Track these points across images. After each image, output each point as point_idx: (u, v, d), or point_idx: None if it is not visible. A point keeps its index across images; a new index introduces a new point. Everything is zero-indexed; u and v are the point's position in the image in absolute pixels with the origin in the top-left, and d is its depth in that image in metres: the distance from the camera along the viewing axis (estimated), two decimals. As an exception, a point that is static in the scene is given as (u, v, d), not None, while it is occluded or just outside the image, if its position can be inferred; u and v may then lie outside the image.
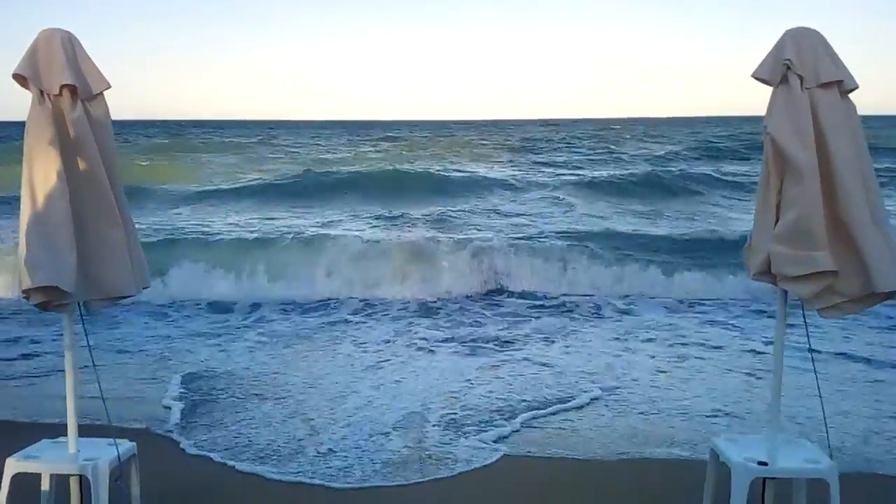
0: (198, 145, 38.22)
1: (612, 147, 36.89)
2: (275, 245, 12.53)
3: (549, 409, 5.94)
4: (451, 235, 13.42)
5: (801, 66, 3.10)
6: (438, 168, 25.40)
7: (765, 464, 3.39)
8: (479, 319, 9.25)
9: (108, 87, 3.27)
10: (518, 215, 17.24)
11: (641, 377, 6.80)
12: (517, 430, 5.55)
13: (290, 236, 12.99)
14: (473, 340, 8.16)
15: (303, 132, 58.39)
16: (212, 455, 5.10)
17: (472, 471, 4.89)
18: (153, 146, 36.34)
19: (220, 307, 9.86)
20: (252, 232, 14.11)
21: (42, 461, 3.45)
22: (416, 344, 8.01)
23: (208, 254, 11.79)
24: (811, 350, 3.65)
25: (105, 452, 3.47)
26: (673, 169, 24.19)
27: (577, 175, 23.95)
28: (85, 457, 3.42)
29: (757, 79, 3.21)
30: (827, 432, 3.52)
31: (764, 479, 3.48)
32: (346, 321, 9.18)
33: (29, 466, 3.41)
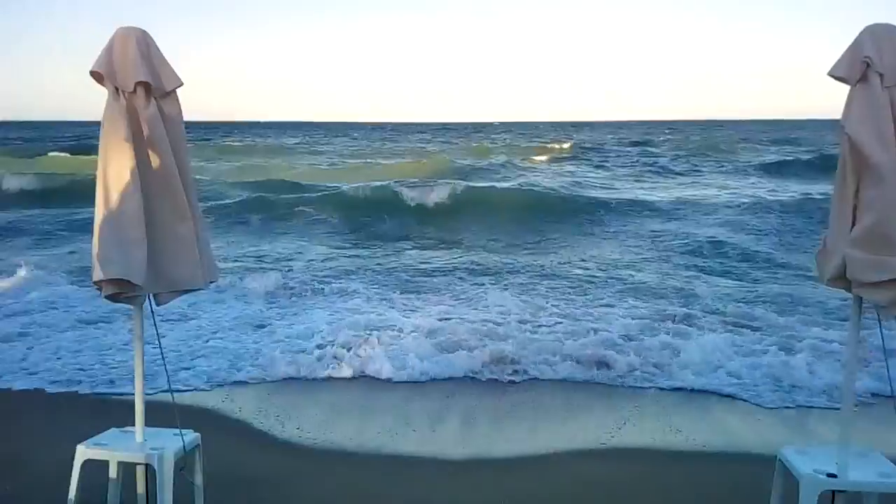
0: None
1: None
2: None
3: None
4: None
5: (882, 64, 2.98)
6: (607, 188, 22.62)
7: (834, 476, 3.28)
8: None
9: (181, 84, 3.34)
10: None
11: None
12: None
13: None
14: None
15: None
16: (275, 439, 5.15)
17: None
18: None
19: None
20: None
21: (110, 449, 3.55)
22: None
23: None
24: (887, 360, 3.50)
25: (171, 442, 3.55)
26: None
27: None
28: (151, 446, 3.51)
29: (834, 77, 3.11)
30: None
31: (833, 491, 3.37)
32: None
33: (97, 454, 3.52)
